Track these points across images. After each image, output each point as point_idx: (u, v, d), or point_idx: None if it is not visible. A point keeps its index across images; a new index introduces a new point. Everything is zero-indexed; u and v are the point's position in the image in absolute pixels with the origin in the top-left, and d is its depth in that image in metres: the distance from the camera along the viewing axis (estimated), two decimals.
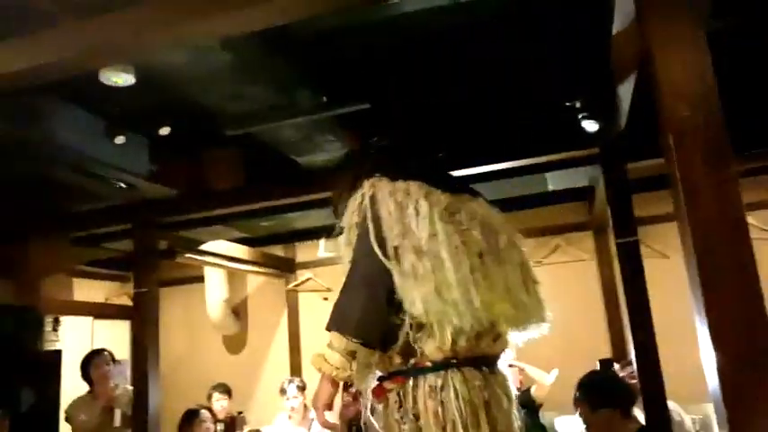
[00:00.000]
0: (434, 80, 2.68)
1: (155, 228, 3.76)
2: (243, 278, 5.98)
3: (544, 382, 3.93)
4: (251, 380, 5.77)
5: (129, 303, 5.57)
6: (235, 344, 5.97)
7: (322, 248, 5.10)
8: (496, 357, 1.63)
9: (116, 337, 5.24)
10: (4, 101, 2.53)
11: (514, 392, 1.65)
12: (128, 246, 4.22)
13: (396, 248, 1.50)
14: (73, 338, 4.55)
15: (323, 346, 1.55)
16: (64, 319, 4.31)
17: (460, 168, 3.17)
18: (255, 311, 6.03)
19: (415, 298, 1.46)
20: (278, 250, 5.77)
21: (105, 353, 3.80)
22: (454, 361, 1.50)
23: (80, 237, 4.01)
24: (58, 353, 3.89)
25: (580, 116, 2.57)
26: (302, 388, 4.56)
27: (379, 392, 1.56)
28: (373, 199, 1.58)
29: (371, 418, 1.60)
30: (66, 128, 2.73)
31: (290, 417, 4.48)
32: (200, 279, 5.73)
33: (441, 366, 1.49)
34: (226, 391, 4.72)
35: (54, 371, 3.81)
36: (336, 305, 1.54)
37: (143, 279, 3.80)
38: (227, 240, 4.84)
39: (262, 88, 2.51)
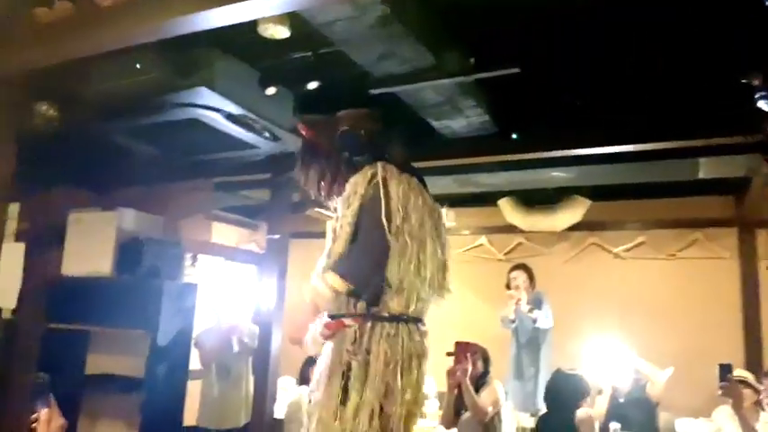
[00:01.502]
0: (594, 46, 2.55)
1: (291, 179, 3.93)
2: None
3: (657, 379, 3.74)
4: None
5: (257, 250, 5.94)
6: None
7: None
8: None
9: (246, 279, 5.59)
10: (165, 51, 2.74)
11: None
12: (264, 195, 4.47)
13: (397, 228, 1.85)
14: (206, 275, 4.92)
15: (316, 281, 1.91)
16: (200, 257, 4.65)
17: (599, 146, 3.03)
18: None
19: (398, 270, 1.85)
20: None
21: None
22: (405, 317, 1.88)
23: (222, 183, 4.28)
24: (195, 286, 4.23)
25: (757, 95, 2.32)
26: None
27: (337, 326, 1.87)
28: (385, 181, 1.88)
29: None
30: (222, 77, 2.89)
31: None
32: (321, 235, 5.94)
33: (395, 319, 1.87)
34: None
35: (190, 301, 4.15)
36: (349, 260, 1.86)
37: (276, 227, 4.02)
38: None
39: (412, 48, 2.51)
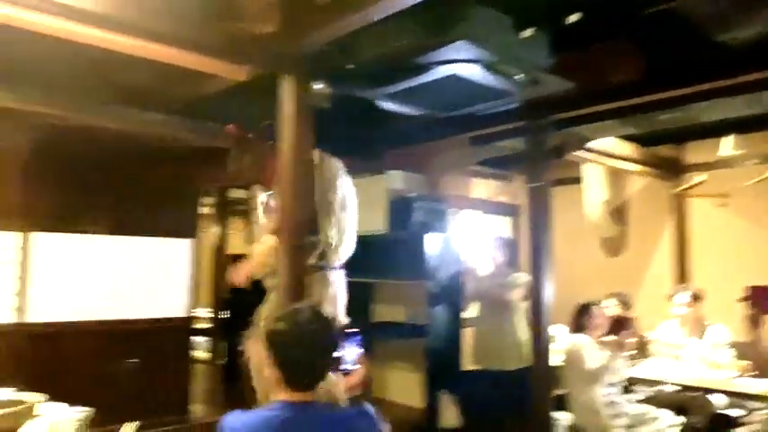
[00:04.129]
0: None
1: (549, 125, 3.80)
2: (624, 179, 5.72)
3: None
4: (630, 284, 5.59)
5: (510, 201, 5.94)
6: (614, 246, 5.83)
7: (726, 146, 4.44)
8: None
9: (501, 231, 5.65)
10: (423, 12, 2.79)
11: None
12: (518, 144, 4.41)
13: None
14: (468, 228, 5.09)
15: None
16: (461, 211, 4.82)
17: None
18: (637, 214, 5.75)
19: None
20: (665, 151, 5.31)
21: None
22: (340, 267, 2.77)
23: (476, 136, 4.33)
24: (461, 238, 4.43)
25: None
26: (697, 297, 4.23)
27: None
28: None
29: None
30: (479, 27, 2.87)
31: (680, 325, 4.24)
32: (578, 180, 5.70)
33: (336, 268, 2.75)
34: (623, 301, 4.69)
35: (457, 253, 4.36)
36: None
37: (535, 175, 3.95)
38: (615, 138, 4.64)
39: None
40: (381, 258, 4.65)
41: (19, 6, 2.09)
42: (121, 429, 1.97)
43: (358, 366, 1.84)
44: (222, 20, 2.54)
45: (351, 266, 4.78)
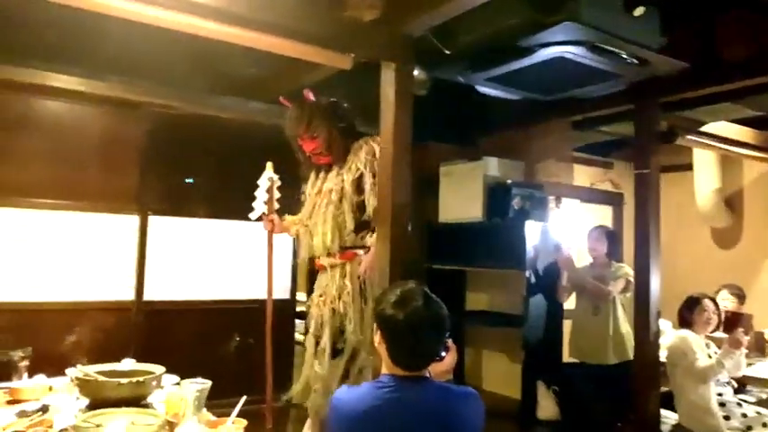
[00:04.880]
0: None
1: (658, 107, 3.60)
2: (739, 166, 5.34)
3: None
4: (744, 278, 5.23)
5: (612, 189, 5.70)
6: (726, 238, 5.47)
7: None
8: None
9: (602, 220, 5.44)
10: None
11: None
12: (622, 129, 4.22)
13: None
14: (569, 216, 4.94)
15: None
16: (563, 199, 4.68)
17: None
18: (753, 204, 5.35)
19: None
20: None
21: None
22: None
23: (579, 120, 4.17)
24: (561, 226, 4.31)
25: None
26: None
27: (352, 256, 2.81)
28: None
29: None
30: (587, 6, 2.75)
31: None
32: (688, 167, 5.38)
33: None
34: (736, 294, 4.40)
35: (557, 241, 4.25)
36: None
37: (642, 161, 3.76)
38: (730, 122, 4.33)
39: None
40: (477, 246, 4.61)
41: (135, 1, 2.22)
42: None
43: (446, 353, 1.86)
44: (327, 9, 2.58)
45: (445, 254, 4.82)
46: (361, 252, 2.82)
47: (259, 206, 3.20)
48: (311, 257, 3.05)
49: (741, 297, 4.39)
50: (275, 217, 3.19)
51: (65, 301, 3.86)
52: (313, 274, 3.17)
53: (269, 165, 3.19)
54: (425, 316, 1.60)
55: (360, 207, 2.81)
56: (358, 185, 2.81)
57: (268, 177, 3.17)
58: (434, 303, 1.63)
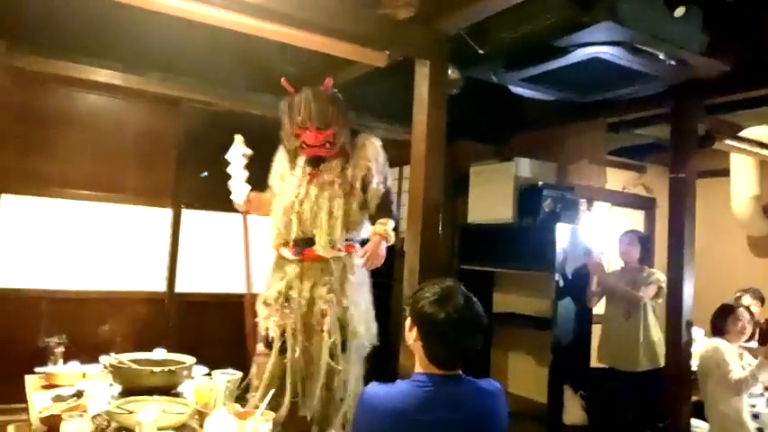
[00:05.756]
0: None
1: (697, 110, 3.53)
2: None
3: None
4: None
5: (644, 194, 5.60)
6: (762, 246, 5.32)
7: None
8: None
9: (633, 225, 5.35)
10: None
11: None
12: (657, 132, 4.14)
13: None
14: (601, 220, 4.87)
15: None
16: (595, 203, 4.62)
17: None
18: None
19: None
20: None
21: None
22: None
23: (614, 122, 4.11)
24: (592, 230, 4.24)
25: None
26: None
27: (352, 248, 2.74)
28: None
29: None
30: (626, 5, 2.71)
31: None
32: (725, 172, 5.24)
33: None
34: (758, 297, 4.29)
35: (588, 245, 4.20)
36: None
37: (678, 165, 3.69)
38: None
39: None
40: (506, 247, 4.57)
41: None
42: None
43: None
44: (363, 7, 2.59)
45: (474, 254, 4.79)
46: (357, 245, 2.75)
47: (241, 186, 2.86)
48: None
49: (763, 300, 4.30)
50: (253, 195, 2.89)
51: (99, 290, 3.95)
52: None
53: (240, 138, 2.90)
54: (467, 316, 1.58)
55: (362, 204, 2.74)
56: (363, 182, 2.72)
57: (242, 153, 2.86)
58: (475, 303, 1.61)
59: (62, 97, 3.89)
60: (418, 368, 1.64)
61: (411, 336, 1.64)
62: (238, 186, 2.85)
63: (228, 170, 2.86)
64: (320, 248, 2.65)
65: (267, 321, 2.71)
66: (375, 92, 3.36)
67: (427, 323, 1.59)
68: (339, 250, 2.66)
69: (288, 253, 2.71)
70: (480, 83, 3.60)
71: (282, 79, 2.67)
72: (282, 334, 2.67)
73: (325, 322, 2.62)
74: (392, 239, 2.73)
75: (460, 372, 1.63)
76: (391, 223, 2.74)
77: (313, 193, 2.69)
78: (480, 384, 1.64)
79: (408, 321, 1.66)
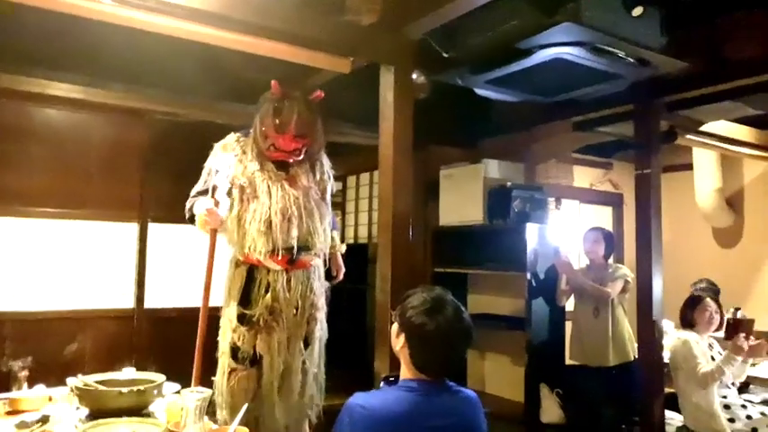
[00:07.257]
0: None
1: (659, 107, 3.60)
2: (739, 166, 5.33)
3: None
4: (745, 278, 5.23)
5: (611, 190, 5.68)
6: (727, 237, 5.46)
7: None
8: None
9: (602, 221, 5.43)
10: None
11: None
12: (624, 129, 4.20)
13: None
14: (568, 218, 4.93)
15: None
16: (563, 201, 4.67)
17: None
18: (754, 203, 5.34)
19: None
20: None
21: None
22: None
23: (580, 121, 4.16)
24: (561, 228, 4.28)
25: None
26: None
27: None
28: None
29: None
30: (587, 7, 2.74)
31: None
32: (688, 167, 5.37)
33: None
34: (711, 287, 4.38)
35: (557, 243, 4.24)
36: None
37: (643, 162, 3.75)
38: (730, 121, 4.32)
39: None
40: (479, 249, 4.60)
41: (136, 8, 2.21)
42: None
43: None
44: (326, 13, 2.58)
45: (448, 257, 4.80)
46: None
47: (225, 199, 2.50)
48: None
49: (715, 290, 4.40)
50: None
51: (66, 310, 3.83)
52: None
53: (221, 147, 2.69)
54: (458, 327, 1.57)
55: None
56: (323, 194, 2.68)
57: (228, 164, 2.58)
58: (464, 313, 1.61)
59: (21, 112, 3.78)
60: (406, 374, 1.63)
61: (398, 342, 1.63)
62: (223, 200, 2.48)
63: (215, 181, 2.50)
64: (312, 255, 2.58)
65: (253, 339, 2.58)
66: (347, 96, 3.33)
67: (416, 334, 1.57)
68: (318, 256, 2.64)
69: (273, 264, 2.51)
70: (449, 87, 3.61)
71: (273, 82, 2.45)
72: (254, 348, 2.58)
73: (315, 329, 2.62)
74: (343, 250, 2.87)
75: (446, 378, 1.63)
76: (337, 234, 2.85)
77: (301, 197, 2.56)
78: (464, 392, 1.65)
79: (395, 328, 1.65)
